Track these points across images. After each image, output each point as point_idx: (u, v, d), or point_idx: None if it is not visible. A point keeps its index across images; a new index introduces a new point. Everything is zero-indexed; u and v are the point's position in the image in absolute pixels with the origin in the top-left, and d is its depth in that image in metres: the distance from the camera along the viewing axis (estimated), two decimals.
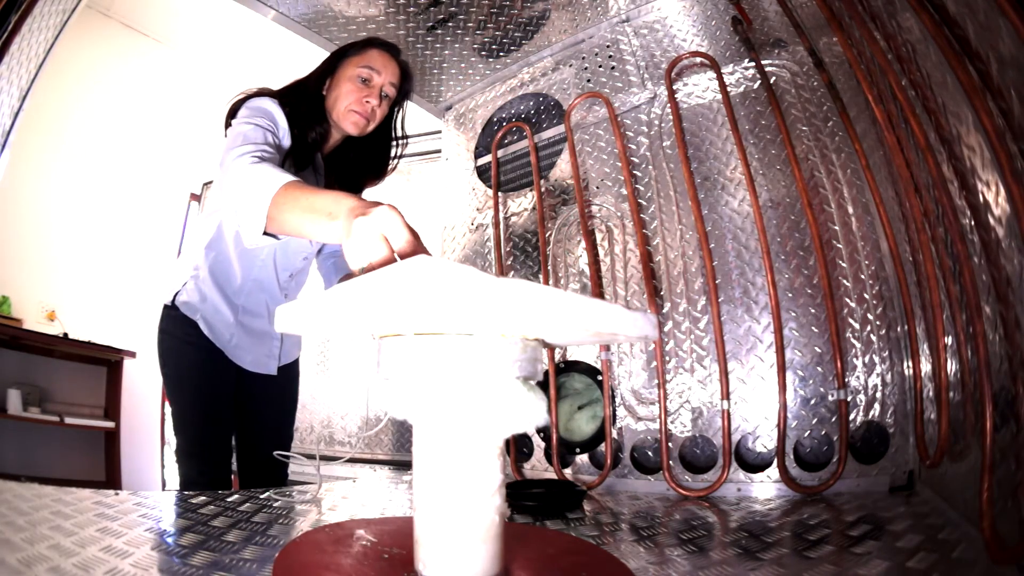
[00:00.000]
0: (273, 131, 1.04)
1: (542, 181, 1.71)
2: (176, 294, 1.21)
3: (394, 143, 1.28)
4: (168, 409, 1.29)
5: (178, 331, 1.21)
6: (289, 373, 1.38)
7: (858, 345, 1.16)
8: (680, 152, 1.41)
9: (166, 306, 1.23)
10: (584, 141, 1.66)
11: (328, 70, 1.17)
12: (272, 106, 1.09)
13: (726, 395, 1.23)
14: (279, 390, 1.35)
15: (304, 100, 1.14)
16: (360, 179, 1.27)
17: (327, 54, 1.23)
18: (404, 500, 1.07)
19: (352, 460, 2.21)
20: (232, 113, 1.11)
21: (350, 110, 1.12)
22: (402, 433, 2.15)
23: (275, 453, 1.25)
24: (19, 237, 2.81)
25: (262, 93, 1.14)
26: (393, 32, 1.74)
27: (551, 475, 1.44)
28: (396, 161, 1.31)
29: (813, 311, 1.22)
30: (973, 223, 0.71)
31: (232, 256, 1.20)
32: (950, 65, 0.65)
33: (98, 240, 3.15)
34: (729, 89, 1.40)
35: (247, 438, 1.34)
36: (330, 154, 1.24)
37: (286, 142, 1.09)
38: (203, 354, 1.21)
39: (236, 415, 1.31)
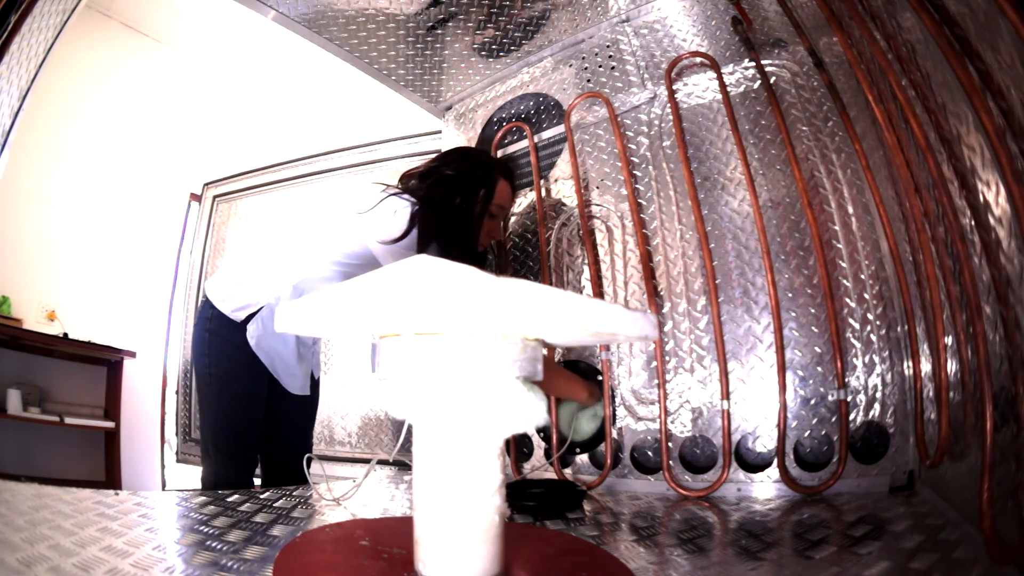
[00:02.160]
0: None
1: (542, 181, 1.71)
2: (247, 316, 1.22)
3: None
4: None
5: (231, 335, 1.22)
6: (314, 383, 1.42)
7: (858, 345, 1.16)
8: (680, 152, 1.40)
9: (219, 312, 1.24)
10: (584, 141, 1.65)
11: (471, 198, 1.24)
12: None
13: (726, 395, 1.23)
14: (307, 398, 1.39)
15: (457, 232, 1.22)
16: None
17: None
18: (404, 500, 1.07)
19: (352, 460, 2.21)
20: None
21: (480, 242, 1.27)
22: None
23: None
24: (19, 237, 2.81)
25: (418, 224, 1.19)
26: (393, 32, 1.74)
27: (551, 475, 1.44)
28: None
29: (813, 311, 1.22)
30: (973, 223, 0.71)
31: None
32: (950, 65, 0.65)
33: (98, 240, 3.15)
34: (729, 89, 1.40)
35: (272, 442, 1.37)
36: None
37: None
38: (251, 362, 1.24)
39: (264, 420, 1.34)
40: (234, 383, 1.24)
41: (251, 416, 1.26)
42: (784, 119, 1.30)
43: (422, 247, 1.16)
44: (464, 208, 1.22)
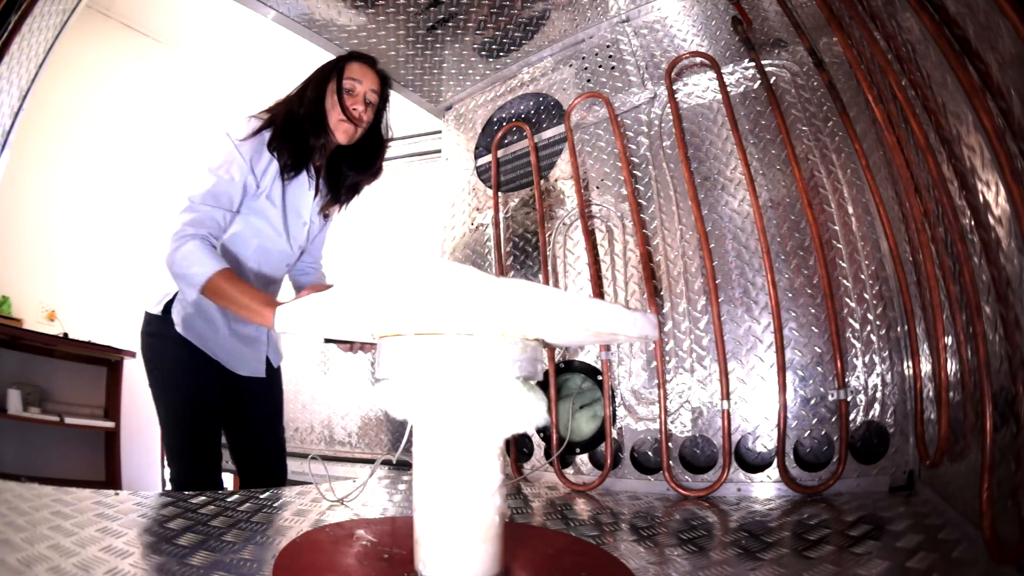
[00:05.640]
0: (242, 184, 1.15)
1: (542, 181, 1.71)
2: (167, 305, 1.21)
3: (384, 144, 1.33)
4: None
5: (166, 332, 1.21)
6: (274, 372, 1.39)
7: (858, 345, 1.16)
8: (680, 152, 1.41)
9: (151, 313, 1.23)
10: (584, 141, 1.65)
11: (320, 84, 1.22)
12: (254, 148, 1.15)
13: (726, 395, 1.23)
14: (267, 388, 1.36)
15: (304, 113, 1.19)
16: (355, 182, 1.31)
17: (327, 53, 1.24)
18: (404, 500, 1.07)
19: (352, 460, 2.21)
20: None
21: (340, 120, 1.19)
22: (403, 433, 2.15)
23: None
24: (19, 237, 2.81)
25: (268, 117, 1.19)
26: (393, 32, 1.74)
27: (551, 475, 1.44)
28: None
29: (813, 311, 1.22)
30: (973, 223, 0.71)
31: None
32: (950, 65, 0.65)
33: (98, 240, 3.15)
34: (729, 89, 1.40)
35: (241, 438, 1.35)
36: (325, 164, 1.28)
37: (267, 175, 1.18)
38: (191, 354, 1.22)
39: (226, 416, 1.32)
40: (178, 379, 1.23)
41: (200, 411, 1.24)
42: (784, 119, 1.30)
43: (274, 133, 1.17)
44: (313, 93, 1.20)
